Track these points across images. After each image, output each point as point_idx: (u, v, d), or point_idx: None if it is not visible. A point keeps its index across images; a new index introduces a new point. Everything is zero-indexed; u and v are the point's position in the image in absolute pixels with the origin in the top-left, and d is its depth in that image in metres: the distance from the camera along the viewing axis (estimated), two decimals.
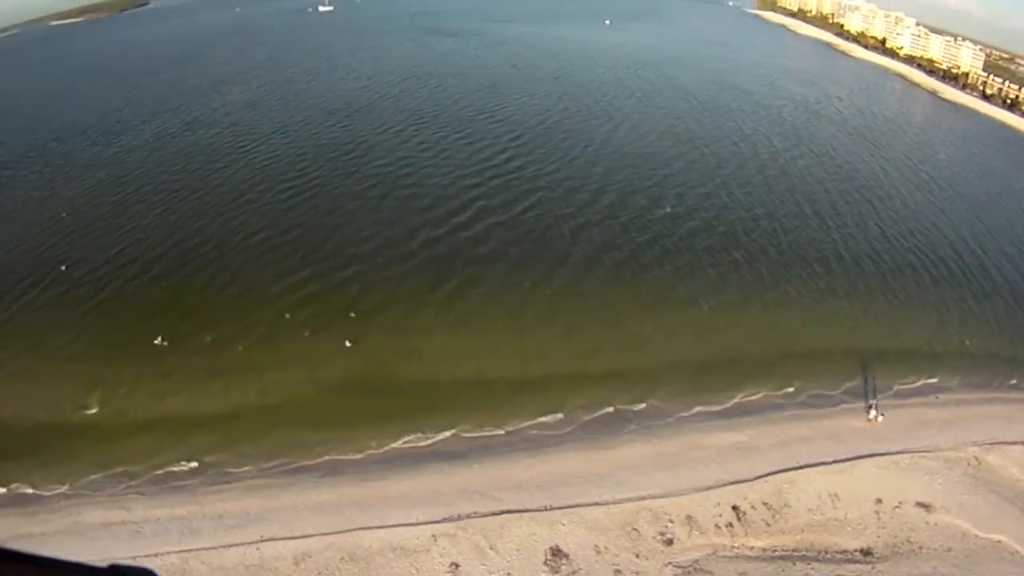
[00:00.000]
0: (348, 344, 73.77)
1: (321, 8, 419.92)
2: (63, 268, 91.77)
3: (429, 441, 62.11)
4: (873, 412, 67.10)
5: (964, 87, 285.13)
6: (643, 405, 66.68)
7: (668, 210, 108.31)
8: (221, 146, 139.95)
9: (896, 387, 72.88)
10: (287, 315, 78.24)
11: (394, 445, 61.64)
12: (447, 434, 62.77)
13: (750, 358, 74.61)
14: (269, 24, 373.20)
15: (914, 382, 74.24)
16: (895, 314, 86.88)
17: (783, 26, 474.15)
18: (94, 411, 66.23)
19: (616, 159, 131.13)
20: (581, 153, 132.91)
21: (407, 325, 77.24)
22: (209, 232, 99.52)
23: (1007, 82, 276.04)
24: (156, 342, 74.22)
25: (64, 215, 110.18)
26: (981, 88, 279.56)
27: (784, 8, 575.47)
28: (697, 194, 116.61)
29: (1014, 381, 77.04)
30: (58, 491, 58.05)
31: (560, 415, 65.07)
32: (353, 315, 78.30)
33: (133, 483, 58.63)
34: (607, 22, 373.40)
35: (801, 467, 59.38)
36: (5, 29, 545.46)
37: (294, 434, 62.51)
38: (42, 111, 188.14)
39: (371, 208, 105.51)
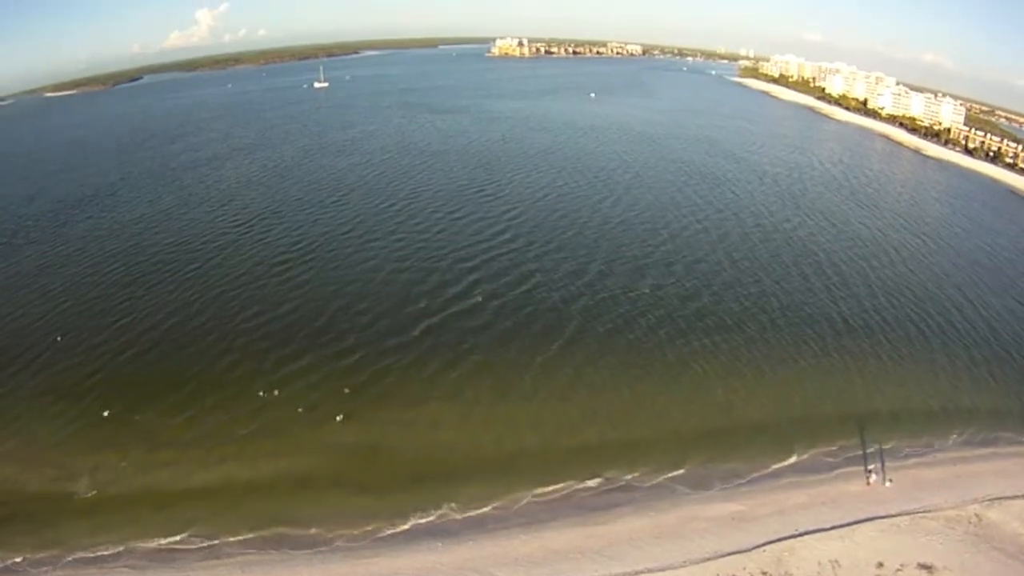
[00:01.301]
0: (339, 419, 73.49)
1: (316, 84, 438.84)
2: (58, 339, 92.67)
3: (422, 518, 61.23)
4: (873, 476, 66.63)
5: (947, 143, 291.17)
6: (639, 476, 66.15)
7: (659, 281, 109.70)
8: (216, 222, 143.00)
9: (893, 448, 72.28)
10: (279, 391, 78.16)
11: (387, 522, 60.75)
12: (441, 510, 61.95)
13: (747, 425, 74.45)
14: (262, 100, 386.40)
15: (911, 442, 73.69)
16: (892, 374, 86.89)
17: (766, 92, 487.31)
18: (86, 482, 65.56)
19: (610, 232, 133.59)
20: (576, 228, 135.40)
21: (400, 400, 77.21)
22: (203, 308, 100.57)
23: (988, 135, 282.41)
24: (148, 416, 74.31)
25: (58, 286, 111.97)
26: (963, 143, 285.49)
27: (766, 75, 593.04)
28: (689, 263, 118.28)
29: (1011, 435, 76.64)
30: (47, 565, 57.20)
31: (555, 488, 64.35)
32: (347, 391, 78.31)
33: (124, 556, 57.86)
34: (592, 95, 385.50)
35: (800, 534, 58.48)
36: (1, 99, 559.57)
37: (286, 510, 61.84)
38: (37, 182, 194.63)
39: (366, 286, 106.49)
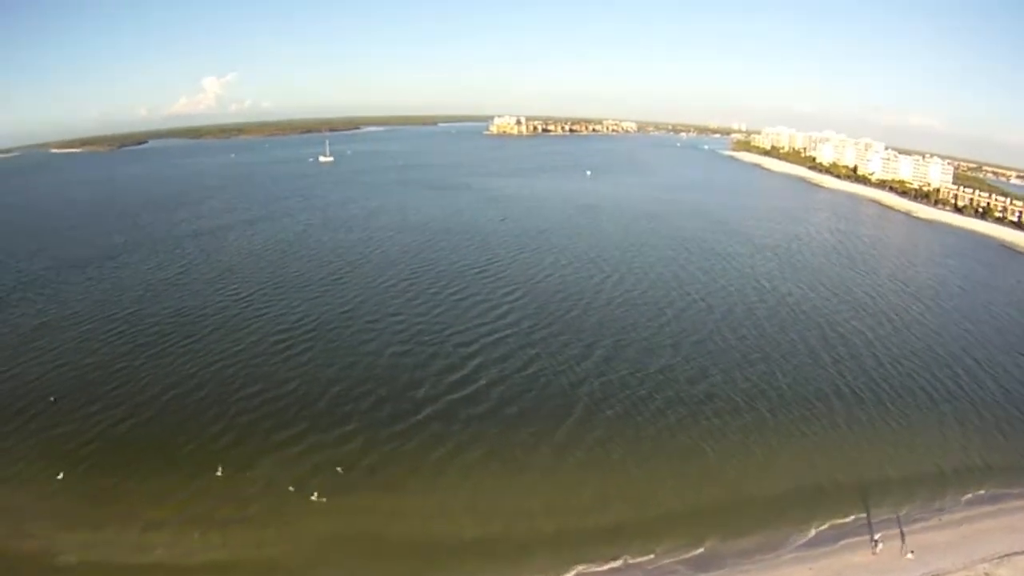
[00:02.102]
0: (325, 500, 72.81)
1: (321, 159, 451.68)
2: (51, 400, 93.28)
3: None
4: (880, 545, 66.52)
5: (936, 203, 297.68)
6: (648, 559, 65.81)
7: (666, 362, 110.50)
8: (216, 293, 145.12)
9: (901, 514, 72.52)
10: (276, 474, 77.35)
11: None
12: None
13: (757, 504, 74.45)
14: (267, 172, 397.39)
15: (918, 507, 74.02)
16: (900, 441, 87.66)
17: (758, 165, 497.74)
18: (71, 559, 64.02)
19: (614, 312, 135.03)
20: (579, 308, 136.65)
21: (407, 488, 76.11)
22: (203, 382, 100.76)
23: (976, 191, 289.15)
24: (143, 491, 73.70)
25: (55, 347, 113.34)
26: (953, 201, 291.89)
27: (758, 147, 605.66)
28: (695, 342, 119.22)
29: (1017, 490, 77.39)
30: None
31: (566, 573, 64.11)
32: (345, 474, 77.50)
33: None
34: (588, 173, 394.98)
35: None
36: (8, 151, 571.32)
37: None
38: (41, 238, 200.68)
39: (368, 369, 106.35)
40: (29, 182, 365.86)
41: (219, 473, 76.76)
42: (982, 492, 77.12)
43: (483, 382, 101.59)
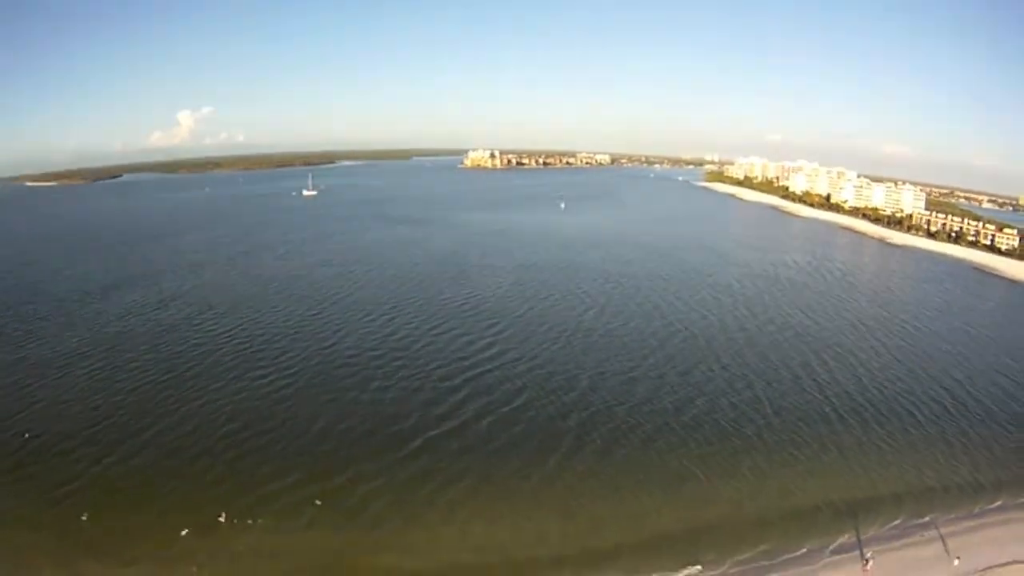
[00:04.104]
0: (311, 535, 72.61)
1: (305, 192, 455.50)
2: (25, 436, 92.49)
3: None
4: (870, 563, 67.65)
5: (909, 229, 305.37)
6: None
7: (652, 391, 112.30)
8: (195, 327, 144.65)
9: (882, 532, 74.53)
10: (260, 505, 77.06)
11: None
12: None
13: (749, 527, 75.55)
14: (248, 207, 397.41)
15: (895, 524, 76.08)
16: (882, 459, 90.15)
17: (732, 195, 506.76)
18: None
19: (597, 343, 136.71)
20: (562, 341, 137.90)
21: (396, 523, 75.56)
22: (179, 416, 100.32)
23: (949, 216, 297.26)
24: (126, 530, 72.73)
25: (34, 380, 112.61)
26: (926, 227, 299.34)
27: (731, 178, 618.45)
28: (680, 372, 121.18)
29: (998, 503, 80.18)
30: None
31: None
32: (327, 508, 77.22)
33: None
34: (562, 205, 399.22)
35: None
36: None
37: None
38: (15, 272, 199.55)
39: (352, 404, 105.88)
40: (6, 216, 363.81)
41: (202, 512, 75.65)
42: (960, 508, 79.53)
43: (470, 415, 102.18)
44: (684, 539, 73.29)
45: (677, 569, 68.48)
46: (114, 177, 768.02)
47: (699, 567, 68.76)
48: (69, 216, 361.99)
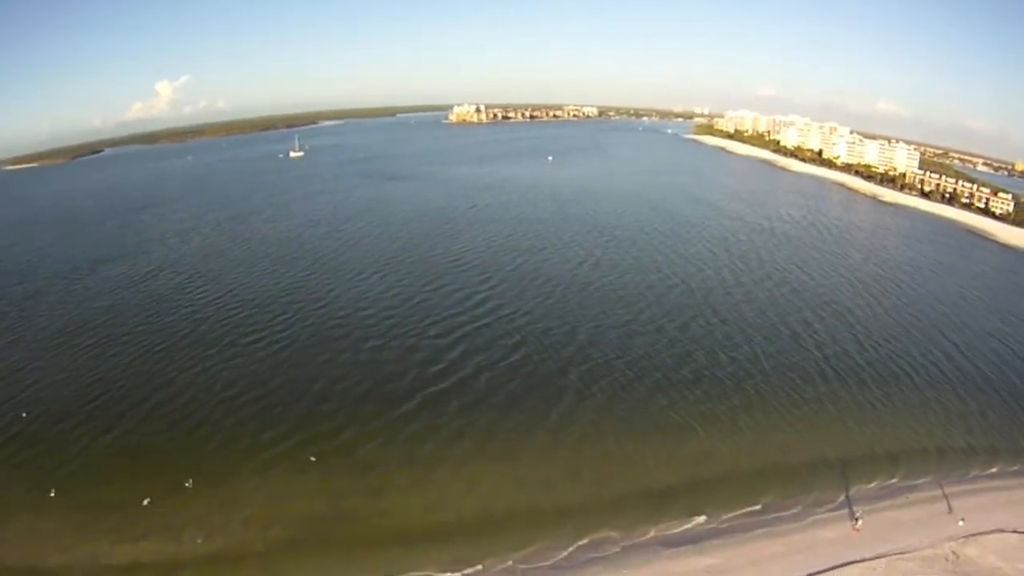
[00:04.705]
0: (316, 496, 74.01)
1: (292, 154, 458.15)
2: (24, 415, 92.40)
3: None
4: (860, 521, 69.14)
5: (902, 187, 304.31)
6: (619, 536, 68.14)
7: (651, 345, 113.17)
8: (186, 295, 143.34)
9: (870, 492, 75.82)
10: (265, 467, 78.71)
11: None
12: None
13: (747, 477, 77.80)
14: (236, 171, 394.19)
15: (886, 485, 77.39)
16: (879, 420, 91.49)
17: (722, 148, 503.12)
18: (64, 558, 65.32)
19: (593, 296, 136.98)
20: (557, 294, 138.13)
21: (397, 476, 77.41)
22: (177, 386, 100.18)
23: (943, 177, 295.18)
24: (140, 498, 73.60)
25: (27, 361, 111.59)
26: (919, 186, 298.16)
27: (721, 131, 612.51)
28: (676, 326, 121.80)
29: (986, 471, 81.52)
30: None
31: (532, 552, 65.71)
32: (320, 461, 79.26)
33: None
34: (550, 159, 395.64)
35: None
36: None
37: None
38: (2, 253, 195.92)
39: (346, 360, 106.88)
40: None
41: (205, 476, 77.09)
42: (946, 473, 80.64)
43: (468, 371, 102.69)
44: (684, 493, 74.84)
45: (675, 524, 70.02)
46: (95, 153, 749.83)
47: (702, 518, 70.67)
48: (51, 195, 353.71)
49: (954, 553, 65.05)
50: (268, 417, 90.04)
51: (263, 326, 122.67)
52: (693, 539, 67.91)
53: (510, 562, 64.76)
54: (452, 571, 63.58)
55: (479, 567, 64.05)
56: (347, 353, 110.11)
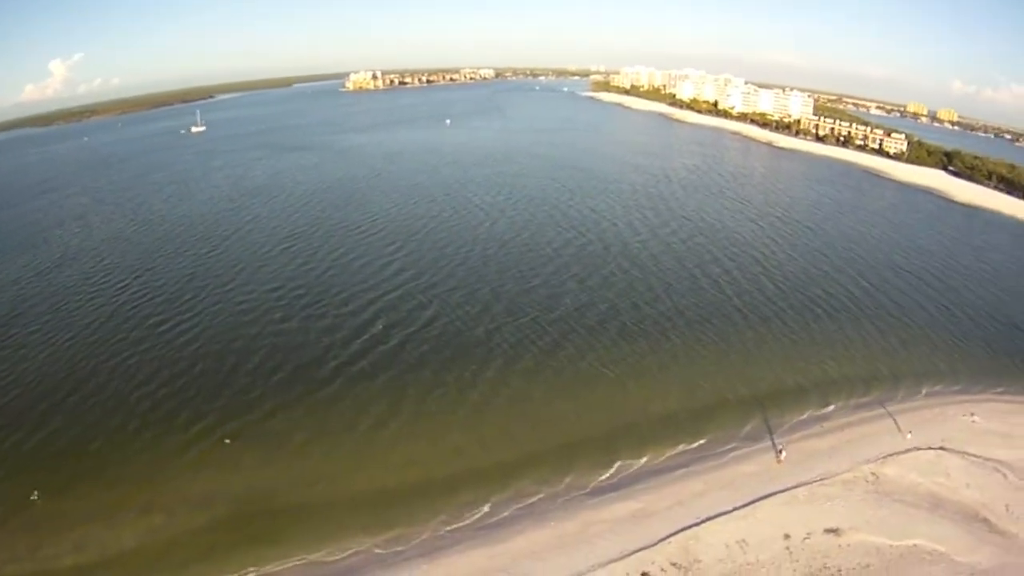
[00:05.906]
0: (257, 476, 70.16)
1: (194, 129, 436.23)
2: None
3: (320, 558, 58.98)
4: (783, 454, 69.80)
5: (798, 133, 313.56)
6: (539, 488, 67.06)
7: (554, 297, 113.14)
8: (91, 283, 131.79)
9: (792, 426, 76.92)
10: (194, 452, 74.08)
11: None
12: (346, 552, 59.54)
13: (652, 424, 77.11)
14: (133, 149, 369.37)
15: (807, 417, 78.92)
16: (787, 356, 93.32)
17: (619, 104, 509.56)
18: None
19: (493, 256, 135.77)
20: (460, 255, 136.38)
21: (341, 447, 74.69)
22: (81, 376, 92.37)
23: (838, 121, 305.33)
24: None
25: None
26: (814, 131, 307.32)
27: (618, 87, 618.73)
28: (577, 278, 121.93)
29: (894, 395, 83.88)
30: None
31: (454, 514, 63.78)
32: (234, 437, 75.59)
33: None
34: (447, 122, 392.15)
35: (702, 521, 59.96)
36: None
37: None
38: None
39: (253, 337, 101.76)
40: None
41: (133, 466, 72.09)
42: (858, 400, 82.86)
43: (378, 336, 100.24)
44: (600, 440, 74.19)
45: (604, 470, 69.59)
46: None
47: (613, 469, 69.84)
48: None
49: (874, 474, 65.94)
50: (182, 400, 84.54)
51: (170, 309, 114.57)
52: (616, 486, 67.29)
53: (441, 518, 63.28)
54: (372, 536, 60.92)
55: (396, 533, 61.51)
56: (254, 328, 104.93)
